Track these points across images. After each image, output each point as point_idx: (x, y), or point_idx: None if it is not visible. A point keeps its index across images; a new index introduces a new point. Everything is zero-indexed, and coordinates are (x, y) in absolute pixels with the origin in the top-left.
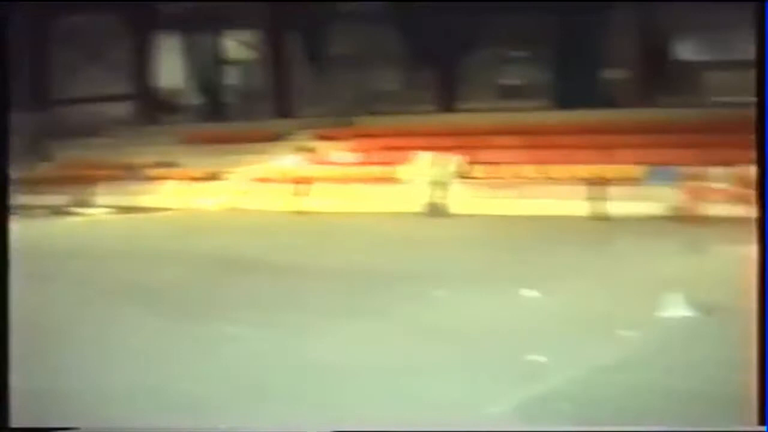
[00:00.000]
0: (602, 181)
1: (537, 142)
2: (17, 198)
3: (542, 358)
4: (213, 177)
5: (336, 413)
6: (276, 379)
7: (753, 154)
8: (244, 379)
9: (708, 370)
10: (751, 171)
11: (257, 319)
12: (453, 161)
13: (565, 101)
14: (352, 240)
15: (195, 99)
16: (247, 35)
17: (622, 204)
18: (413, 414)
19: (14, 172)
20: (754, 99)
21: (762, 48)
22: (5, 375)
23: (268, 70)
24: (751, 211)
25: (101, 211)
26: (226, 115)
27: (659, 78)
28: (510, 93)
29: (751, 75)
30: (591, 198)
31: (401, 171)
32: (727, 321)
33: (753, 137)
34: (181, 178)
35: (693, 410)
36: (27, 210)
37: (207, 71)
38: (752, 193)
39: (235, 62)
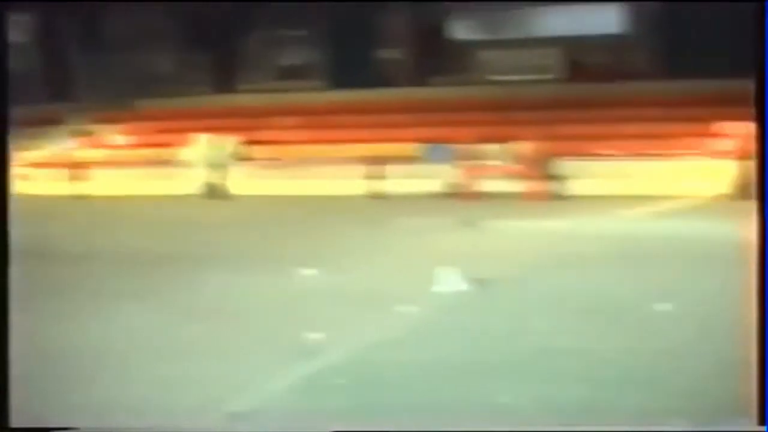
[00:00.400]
0: (379, 160)
1: (315, 122)
2: None
3: (320, 335)
4: None
5: (120, 399)
6: (52, 364)
7: (526, 131)
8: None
9: (484, 342)
10: (524, 147)
11: (34, 305)
12: (230, 143)
13: (341, 81)
14: (130, 224)
15: None
16: (19, 17)
17: (399, 182)
18: (195, 395)
19: None
20: (529, 77)
21: (762, 48)
22: (5, 375)
23: (43, 54)
24: (525, 186)
25: None
26: None
27: (434, 57)
28: (288, 73)
29: (525, 53)
30: (369, 177)
31: (179, 153)
32: (501, 293)
33: (528, 114)
34: None
35: (472, 383)
36: None
37: None
38: (524, 169)
39: (8, 45)
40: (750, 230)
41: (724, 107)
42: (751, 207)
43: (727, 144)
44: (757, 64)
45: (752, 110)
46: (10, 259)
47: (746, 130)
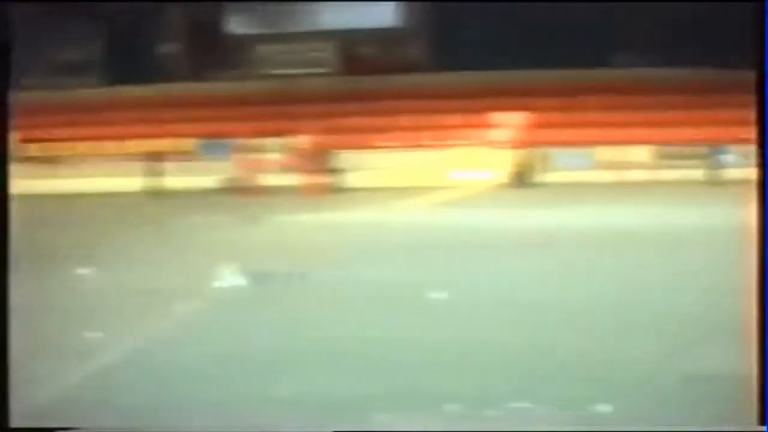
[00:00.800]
0: (157, 157)
1: (91, 118)
2: None
3: (100, 334)
4: None
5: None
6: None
7: (305, 124)
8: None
9: (265, 335)
10: (303, 141)
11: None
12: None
13: (118, 77)
14: None
15: None
16: None
17: (177, 178)
18: None
19: None
20: (306, 71)
21: (762, 48)
22: (5, 375)
23: None
24: (304, 180)
25: None
26: None
27: (210, 52)
28: (64, 70)
29: (301, 47)
30: (146, 174)
31: None
32: (282, 286)
33: (305, 108)
34: None
35: (255, 376)
36: None
37: None
38: (304, 163)
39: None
40: (526, 217)
41: (499, 98)
42: (527, 195)
43: (502, 134)
44: (758, 63)
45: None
46: (10, 260)
47: (520, 120)
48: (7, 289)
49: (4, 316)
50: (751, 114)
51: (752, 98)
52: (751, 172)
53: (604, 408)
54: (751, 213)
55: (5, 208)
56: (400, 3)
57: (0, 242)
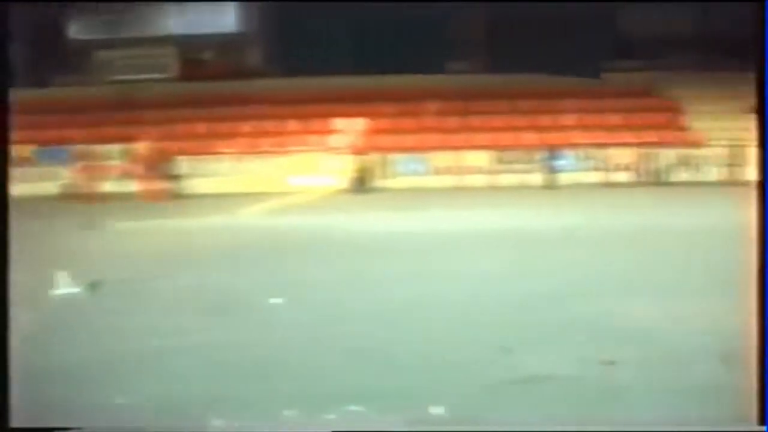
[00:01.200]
0: None
1: None
2: None
3: None
4: None
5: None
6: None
7: (144, 131)
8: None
9: (100, 343)
10: (142, 147)
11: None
12: None
13: None
14: None
15: None
16: None
17: (14, 186)
18: None
19: None
20: (146, 76)
21: (762, 48)
22: (5, 375)
23: None
24: (144, 186)
25: None
26: None
27: (51, 56)
28: None
29: (141, 52)
30: None
31: None
32: (120, 293)
33: (145, 114)
34: None
35: (91, 384)
36: None
37: None
38: (143, 169)
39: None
40: (366, 222)
41: (338, 104)
42: (367, 200)
43: (341, 139)
44: (758, 63)
45: (753, 104)
46: (10, 260)
47: (359, 125)
48: (7, 289)
49: (4, 315)
50: (585, 119)
51: (582, 104)
52: (587, 176)
53: (437, 410)
54: (585, 214)
55: (5, 208)
56: (240, 8)
57: (0, 242)
